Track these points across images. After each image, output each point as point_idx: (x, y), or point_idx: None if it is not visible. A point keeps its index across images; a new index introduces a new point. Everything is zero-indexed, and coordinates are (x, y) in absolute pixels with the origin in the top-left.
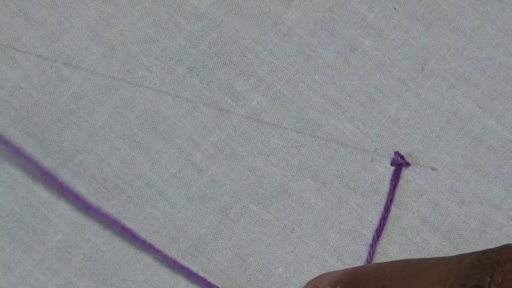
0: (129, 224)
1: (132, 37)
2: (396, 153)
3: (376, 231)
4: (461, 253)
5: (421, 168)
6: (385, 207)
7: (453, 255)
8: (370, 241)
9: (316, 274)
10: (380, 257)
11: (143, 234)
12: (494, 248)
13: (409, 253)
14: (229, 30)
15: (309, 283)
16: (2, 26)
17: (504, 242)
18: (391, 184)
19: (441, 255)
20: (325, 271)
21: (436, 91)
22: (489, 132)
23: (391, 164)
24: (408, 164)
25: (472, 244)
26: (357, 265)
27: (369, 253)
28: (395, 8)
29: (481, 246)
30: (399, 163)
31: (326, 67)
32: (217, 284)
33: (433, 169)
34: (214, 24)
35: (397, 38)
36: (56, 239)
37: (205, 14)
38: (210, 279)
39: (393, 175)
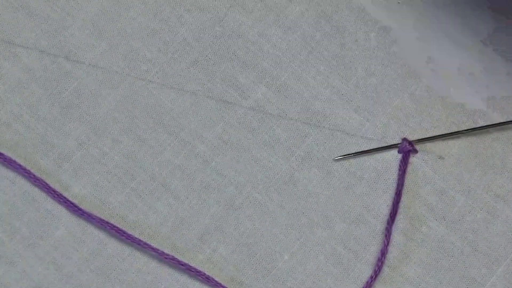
0: (132, 217)
1: (134, 31)
2: (404, 139)
3: (390, 214)
4: (467, 242)
5: (428, 156)
6: (396, 192)
7: (459, 244)
8: (377, 228)
9: (323, 262)
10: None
11: (147, 226)
12: None
13: (416, 241)
14: (232, 24)
15: None
16: (4, 21)
17: (510, 234)
18: (400, 169)
19: (447, 244)
20: (333, 259)
21: (441, 84)
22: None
23: (399, 152)
24: (416, 151)
25: (478, 235)
26: (364, 253)
27: (385, 236)
28: (398, 2)
29: (487, 237)
30: (408, 150)
31: (331, 59)
32: (216, 278)
33: (440, 157)
34: (217, 17)
35: (401, 31)
36: (59, 233)
37: (208, 8)
38: (215, 269)
39: (401, 161)
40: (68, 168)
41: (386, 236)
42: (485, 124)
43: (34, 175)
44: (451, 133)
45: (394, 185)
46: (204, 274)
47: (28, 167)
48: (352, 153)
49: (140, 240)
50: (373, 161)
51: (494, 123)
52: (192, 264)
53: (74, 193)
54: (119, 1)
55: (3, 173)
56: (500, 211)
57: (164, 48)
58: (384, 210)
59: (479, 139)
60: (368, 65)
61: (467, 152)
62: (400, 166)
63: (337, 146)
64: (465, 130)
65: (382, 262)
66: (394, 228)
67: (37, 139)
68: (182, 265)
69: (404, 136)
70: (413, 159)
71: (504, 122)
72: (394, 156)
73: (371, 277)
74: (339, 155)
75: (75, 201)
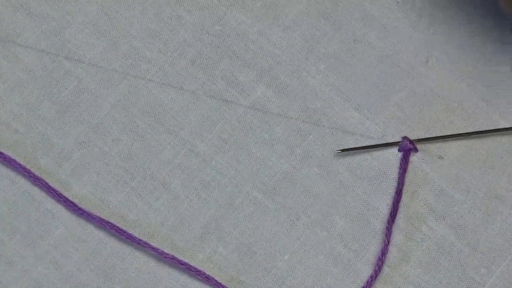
0: (132, 216)
1: (134, 31)
2: (405, 137)
3: (391, 214)
4: (467, 242)
5: (428, 155)
6: (396, 191)
7: (458, 244)
8: (376, 228)
9: (323, 261)
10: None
11: (147, 225)
12: None
13: (415, 241)
14: (232, 23)
15: None
16: (4, 21)
17: (509, 235)
18: (400, 168)
19: (447, 244)
20: (333, 258)
21: (441, 83)
22: (493, 125)
23: (399, 150)
24: (416, 150)
25: (477, 235)
26: (364, 252)
27: (386, 235)
28: (397, 2)
29: (486, 237)
30: (408, 148)
31: (331, 57)
32: (216, 277)
33: (440, 157)
34: (217, 16)
35: (400, 31)
36: (58, 233)
37: (208, 7)
38: (215, 268)
39: (401, 160)
40: (68, 168)
41: (386, 235)
42: (484, 124)
43: (34, 175)
44: (452, 135)
45: (394, 184)
46: (204, 273)
47: (28, 167)
48: (354, 148)
49: (140, 239)
50: (373, 160)
51: (492, 124)
52: (192, 264)
53: (74, 193)
54: (119, 1)
55: (3, 172)
56: (499, 211)
57: (164, 47)
58: (384, 209)
59: (479, 139)
60: (368, 64)
61: (467, 152)
62: (400, 164)
63: (337, 144)
64: (466, 133)
65: (383, 262)
66: (393, 227)
67: (37, 138)
68: (182, 264)
69: (405, 135)
70: (413, 159)
71: (505, 128)
72: (394, 155)
73: (372, 276)
74: (339, 149)
75: (75, 201)
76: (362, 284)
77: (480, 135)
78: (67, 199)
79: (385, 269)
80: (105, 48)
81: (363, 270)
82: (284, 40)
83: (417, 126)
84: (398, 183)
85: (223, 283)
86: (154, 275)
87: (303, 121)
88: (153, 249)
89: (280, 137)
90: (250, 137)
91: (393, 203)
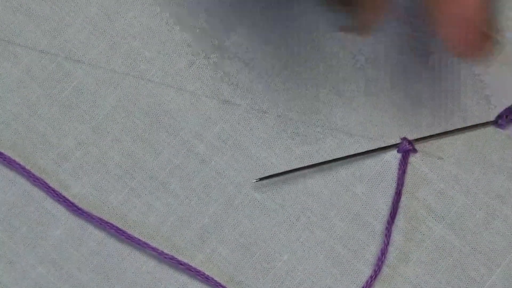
0: (131, 216)
1: (133, 31)
2: (404, 139)
3: (390, 214)
4: (466, 242)
5: (427, 156)
6: (396, 192)
7: (458, 244)
8: (376, 228)
9: (323, 262)
10: None
11: (147, 226)
12: None
13: (415, 241)
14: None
15: None
16: (4, 21)
17: (509, 234)
18: (399, 169)
19: (446, 244)
20: (332, 259)
21: (441, 85)
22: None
23: (398, 151)
24: (415, 151)
25: (477, 234)
26: (363, 252)
27: (386, 235)
28: None
29: (486, 237)
30: (407, 149)
31: (330, 58)
32: (215, 278)
33: (439, 158)
34: None
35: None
36: (58, 233)
37: None
38: (214, 269)
39: (401, 161)
40: (68, 168)
41: (386, 235)
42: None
43: (33, 175)
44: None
45: (394, 185)
46: (204, 273)
47: (28, 167)
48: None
49: (139, 239)
50: (373, 161)
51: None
52: (192, 264)
53: (73, 193)
54: (118, 2)
55: (3, 172)
56: (499, 211)
57: (163, 48)
58: (384, 210)
59: (478, 140)
60: (366, 66)
61: (466, 152)
62: (400, 165)
63: (337, 145)
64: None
65: (382, 262)
66: (393, 228)
67: (36, 138)
68: (181, 264)
69: (404, 136)
70: (412, 160)
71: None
72: (393, 156)
73: (371, 276)
74: (257, 178)
75: (75, 201)
76: (362, 285)
77: (478, 134)
78: (67, 199)
79: (385, 269)
80: (105, 48)
81: (362, 271)
82: (283, 41)
83: (416, 129)
84: (398, 184)
85: (223, 283)
86: (153, 275)
87: (303, 122)
88: (153, 249)
89: (279, 138)
90: (249, 137)
91: (392, 203)
